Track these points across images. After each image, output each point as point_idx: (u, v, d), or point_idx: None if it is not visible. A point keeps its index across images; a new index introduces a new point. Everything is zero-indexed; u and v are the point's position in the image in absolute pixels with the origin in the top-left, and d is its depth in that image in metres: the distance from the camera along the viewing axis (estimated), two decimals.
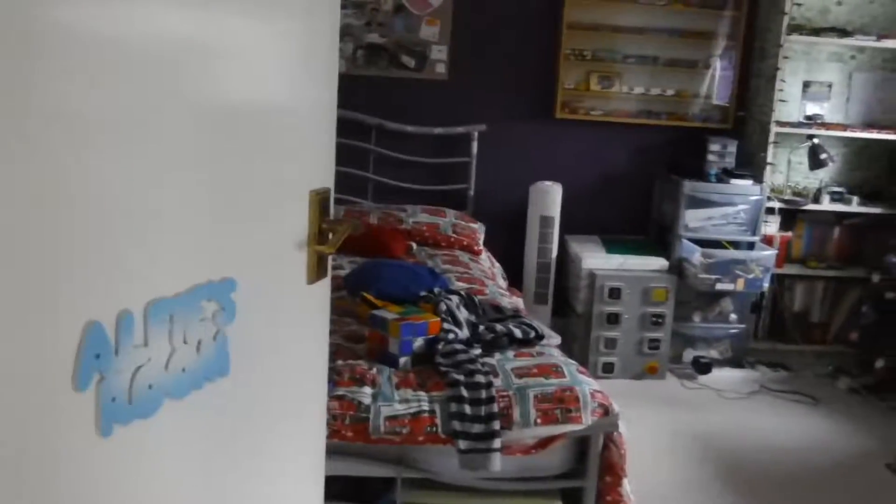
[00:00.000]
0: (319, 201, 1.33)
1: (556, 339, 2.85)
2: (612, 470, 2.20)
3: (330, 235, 1.35)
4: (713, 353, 4.20)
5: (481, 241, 3.93)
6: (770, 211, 4.20)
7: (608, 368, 3.97)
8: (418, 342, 2.30)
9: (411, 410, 2.10)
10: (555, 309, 4.23)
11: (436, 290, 2.68)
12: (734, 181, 4.08)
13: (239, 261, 1.13)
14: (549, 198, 4.08)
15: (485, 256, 3.86)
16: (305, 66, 1.27)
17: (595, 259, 4.01)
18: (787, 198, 4.27)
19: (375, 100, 4.17)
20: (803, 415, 3.73)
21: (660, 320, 3.97)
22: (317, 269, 1.34)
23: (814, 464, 3.24)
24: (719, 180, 4.10)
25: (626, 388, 3.82)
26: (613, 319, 3.94)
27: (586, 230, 4.38)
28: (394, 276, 2.71)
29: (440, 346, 2.30)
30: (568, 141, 4.36)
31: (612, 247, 4.15)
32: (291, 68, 1.24)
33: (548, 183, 4.15)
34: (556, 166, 4.34)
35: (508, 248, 4.22)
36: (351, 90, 4.06)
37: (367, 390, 2.12)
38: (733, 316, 4.15)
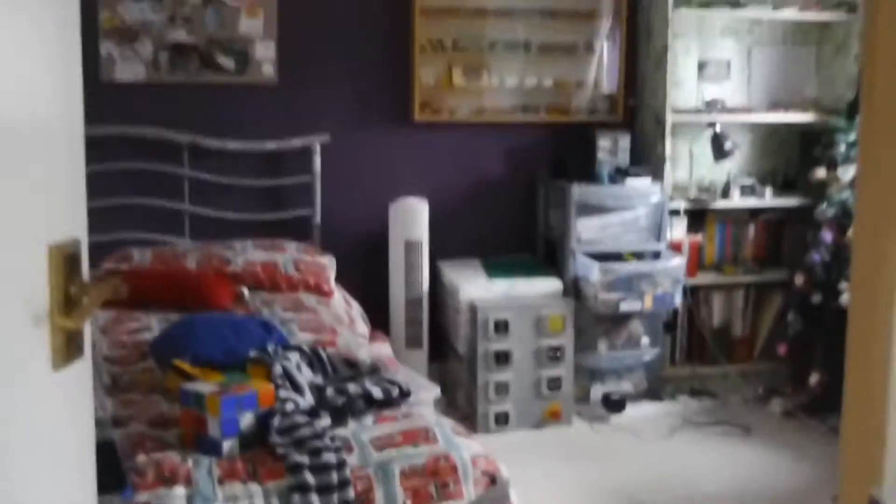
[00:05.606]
0: (64, 258, 1.21)
1: (433, 392, 2.81)
2: None
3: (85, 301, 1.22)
4: (625, 387, 4.25)
5: (332, 279, 3.85)
6: (675, 212, 4.32)
7: (502, 419, 3.94)
8: (247, 419, 2.21)
9: None
10: (432, 353, 4.19)
11: (269, 347, 2.57)
12: (630, 181, 4.17)
13: None
14: (414, 217, 4.06)
15: (338, 297, 3.79)
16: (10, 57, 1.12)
17: (475, 287, 4.01)
18: (692, 196, 4.40)
19: (187, 112, 4.03)
20: (735, 449, 3.84)
21: (558, 354, 3.98)
22: (65, 349, 1.22)
23: None
24: (613, 181, 4.19)
25: (525, 440, 3.83)
26: (503, 359, 3.92)
27: (462, 253, 4.38)
28: (214, 335, 2.58)
29: (276, 422, 2.22)
30: (432, 148, 4.36)
31: (495, 271, 4.16)
32: None
33: (411, 199, 4.13)
34: (419, 179, 4.32)
35: (368, 283, 4.17)
36: (154, 102, 3.98)
37: (180, 491, 2.01)
38: (644, 340, 4.22)
